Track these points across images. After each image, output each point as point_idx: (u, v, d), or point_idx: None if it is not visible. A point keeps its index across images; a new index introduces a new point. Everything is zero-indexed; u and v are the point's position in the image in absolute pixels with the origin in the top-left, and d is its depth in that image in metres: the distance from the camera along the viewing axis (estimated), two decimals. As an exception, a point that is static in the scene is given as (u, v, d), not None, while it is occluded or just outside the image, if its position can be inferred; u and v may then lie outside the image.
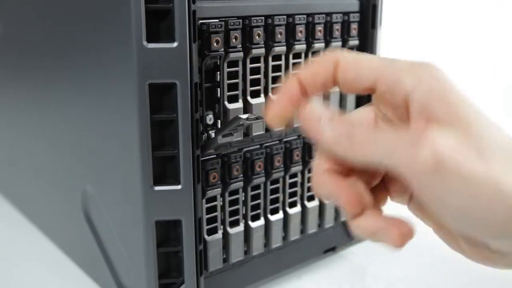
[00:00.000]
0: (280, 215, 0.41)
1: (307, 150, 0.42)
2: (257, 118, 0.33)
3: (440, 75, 0.24)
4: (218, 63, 0.35)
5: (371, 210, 0.26)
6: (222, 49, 0.35)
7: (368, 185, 0.27)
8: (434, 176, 0.22)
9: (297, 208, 0.43)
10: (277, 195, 0.41)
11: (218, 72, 0.36)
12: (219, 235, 0.38)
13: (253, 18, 0.36)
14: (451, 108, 0.23)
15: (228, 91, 0.36)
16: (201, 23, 0.34)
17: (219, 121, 0.36)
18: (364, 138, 0.24)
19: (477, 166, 0.21)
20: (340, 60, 0.26)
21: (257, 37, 0.36)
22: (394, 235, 0.25)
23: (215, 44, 0.34)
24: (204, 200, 0.36)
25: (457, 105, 0.23)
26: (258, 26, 0.36)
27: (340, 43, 0.41)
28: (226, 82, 0.36)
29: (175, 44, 0.31)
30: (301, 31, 0.38)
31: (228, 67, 0.36)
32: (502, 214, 0.21)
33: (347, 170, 0.26)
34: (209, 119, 0.36)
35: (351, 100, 0.44)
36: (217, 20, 0.34)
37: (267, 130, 0.39)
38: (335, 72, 0.26)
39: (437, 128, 0.22)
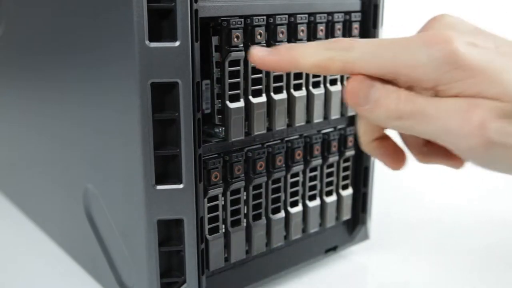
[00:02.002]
0: (281, 214, 0.42)
1: (309, 149, 0.42)
2: None
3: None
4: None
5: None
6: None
7: None
8: (481, 148, 0.26)
9: (299, 208, 0.43)
10: (279, 194, 0.41)
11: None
12: (220, 234, 0.38)
13: (254, 18, 0.36)
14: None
15: (229, 90, 0.36)
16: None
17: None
18: (432, 112, 0.27)
19: None
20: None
21: (258, 36, 0.36)
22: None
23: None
24: (205, 199, 0.36)
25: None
26: (259, 26, 0.36)
27: (341, 43, 0.41)
28: (228, 81, 0.36)
29: (177, 43, 0.31)
30: (302, 31, 0.38)
31: (229, 66, 0.36)
32: None
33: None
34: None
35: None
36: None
37: (268, 129, 0.39)
38: None
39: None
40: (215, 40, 0.36)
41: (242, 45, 0.36)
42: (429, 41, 0.27)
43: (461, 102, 0.26)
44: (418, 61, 0.27)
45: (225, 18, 0.35)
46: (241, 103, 0.37)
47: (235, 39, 0.35)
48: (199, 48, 0.32)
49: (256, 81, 0.38)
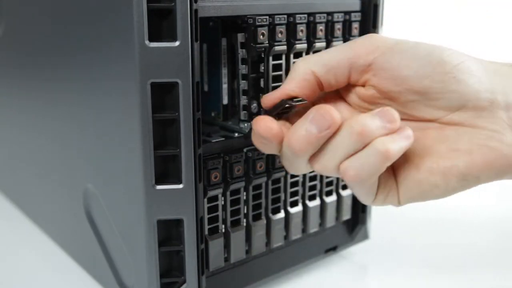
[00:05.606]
0: (281, 214, 0.42)
1: (309, 149, 0.42)
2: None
3: None
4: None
5: None
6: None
7: None
8: None
9: (299, 208, 0.43)
10: (279, 194, 0.41)
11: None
12: (220, 234, 0.38)
13: (256, 18, 0.36)
14: None
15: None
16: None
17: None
18: None
19: None
20: None
21: (261, 36, 0.36)
22: None
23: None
24: (205, 199, 0.36)
25: None
26: (262, 26, 0.36)
27: (341, 43, 0.41)
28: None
29: (177, 43, 0.31)
30: (302, 31, 0.38)
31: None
32: None
33: None
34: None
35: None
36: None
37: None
38: None
39: None
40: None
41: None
42: None
43: None
44: None
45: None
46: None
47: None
48: (202, 47, 0.32)
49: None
